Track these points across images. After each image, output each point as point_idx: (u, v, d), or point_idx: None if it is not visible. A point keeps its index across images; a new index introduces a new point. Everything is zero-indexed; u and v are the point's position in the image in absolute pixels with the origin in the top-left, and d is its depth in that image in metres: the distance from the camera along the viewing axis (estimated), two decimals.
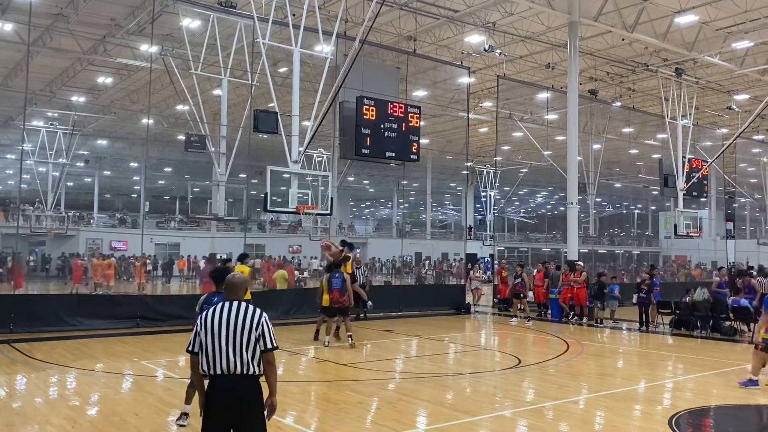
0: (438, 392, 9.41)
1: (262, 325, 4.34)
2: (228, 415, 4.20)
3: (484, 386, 10.07)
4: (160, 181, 51.38)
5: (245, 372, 4.24)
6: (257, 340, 4.30)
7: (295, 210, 15.51)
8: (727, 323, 15.98)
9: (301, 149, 16.15)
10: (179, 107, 28.92)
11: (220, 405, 4.21)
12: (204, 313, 4.41)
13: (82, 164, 41.06)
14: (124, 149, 43.60)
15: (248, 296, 12.96)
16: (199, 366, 4.34)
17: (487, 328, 18.41)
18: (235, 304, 4.40)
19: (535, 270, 21.09)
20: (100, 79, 28.95)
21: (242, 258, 13.92)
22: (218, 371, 4.23)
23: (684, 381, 10.76)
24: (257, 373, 4.30)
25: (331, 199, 16.24)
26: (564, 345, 14.24)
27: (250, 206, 46.12)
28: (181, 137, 32.51)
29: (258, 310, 4.40)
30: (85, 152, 40.82)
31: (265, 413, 4.38)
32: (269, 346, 4.35)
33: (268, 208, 15.45)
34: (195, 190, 31.06)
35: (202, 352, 4.30)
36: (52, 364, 10.67)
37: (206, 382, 4.34)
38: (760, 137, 35.82)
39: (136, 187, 54.09)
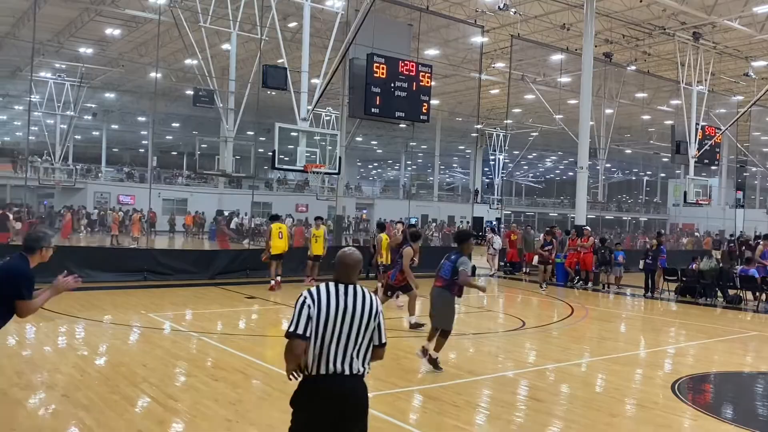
0: (442, 351, 9.47)
1: (380, 315, 3.64)
2: (338, 423, 3.48)
3: (487, 347, 10.14)
4: (167, 136, 51.23)
5: (359, 372, 3.53)
6: (373, 332, 3.60)
7: (302, 168, 15.43)
8: (733, 292, 16.02)
9: (310, 107, 15.98)
10: (188, 61, 28.62)
11: (331, 411, 3.47)
12: (316, 294, 3.54)
13: (89, 117, 40.91)
14: (132, 103, 43.37)
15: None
16: (302, 355, 3.50)
17: (493, 291, 18.45)
18: (351, 288, 3.59)
19: (542, 235, 21.05)
20: (108, 31, 28.62)
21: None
22: (329, 370, 3.46)
23: (687, 347, 10.80)
24: (367, 372, 3.61)
25: (339, 158, 16.13)
26: (568, 309, 14.29)
27: (257, 164, 46.08)
28: (190, 92, 32.32)
29: (374, 295, 3.69)
30: (93, 105, 40.63)
31: None
32: (384, 340, 3.67)
33: (276, 165, 15.38)
34: (203, 146, 30.97)
35: (311, 342, 3.48)
36: (60, 314, 10.79)
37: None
38: None
39: (143, 142, 53.98)
